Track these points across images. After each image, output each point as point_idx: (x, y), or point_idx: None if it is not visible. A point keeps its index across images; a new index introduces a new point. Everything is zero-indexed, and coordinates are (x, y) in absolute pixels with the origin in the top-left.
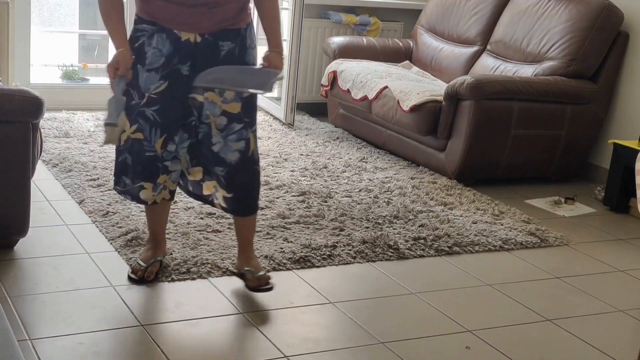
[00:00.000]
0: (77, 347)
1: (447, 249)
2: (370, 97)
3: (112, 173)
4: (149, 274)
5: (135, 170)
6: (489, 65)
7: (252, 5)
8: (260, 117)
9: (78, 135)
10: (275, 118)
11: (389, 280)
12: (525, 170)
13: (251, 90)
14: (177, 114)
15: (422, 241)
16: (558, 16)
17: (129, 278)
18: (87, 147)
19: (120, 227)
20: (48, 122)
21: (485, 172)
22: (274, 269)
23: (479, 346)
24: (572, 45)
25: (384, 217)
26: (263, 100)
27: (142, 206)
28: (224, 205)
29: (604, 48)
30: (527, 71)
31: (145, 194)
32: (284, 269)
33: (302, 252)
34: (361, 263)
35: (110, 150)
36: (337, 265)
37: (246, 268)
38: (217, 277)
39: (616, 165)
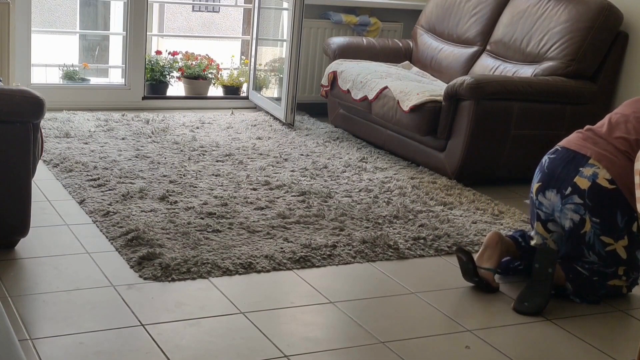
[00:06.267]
0: (77, 346)
1: (447, 248)
2: (370, 97)
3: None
4: None
5: None
6: (488, 66)
7: None
8: (260, 117)
9: (79, 136)
10: (275, 118)
11: (389, 280)
12: (525, 170)
13: None
14: None
15: (422, 241)
16: (557, 16)
17: None
18: (88, 147)
19: (120, 227)
20: (49, 122)
21: (485, 172)
22: (274, 269)
23: (479, 346)
24: (572, 45)
25: (384, 217)
26: (263, 100)
27: (142, 206)
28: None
29: (604, 48)
30: (526, 71)
31: None
32: (284, 268)
33: (302, 252)
34: (361, 263)
35: (111, 149)
36: (337, 265)
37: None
38: (217, 277)
39: None
